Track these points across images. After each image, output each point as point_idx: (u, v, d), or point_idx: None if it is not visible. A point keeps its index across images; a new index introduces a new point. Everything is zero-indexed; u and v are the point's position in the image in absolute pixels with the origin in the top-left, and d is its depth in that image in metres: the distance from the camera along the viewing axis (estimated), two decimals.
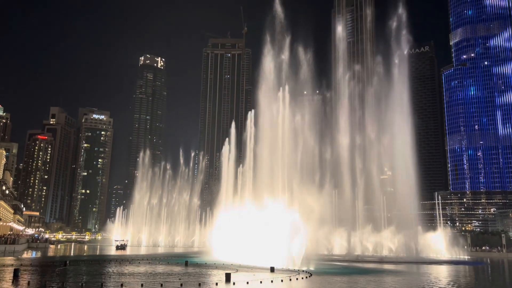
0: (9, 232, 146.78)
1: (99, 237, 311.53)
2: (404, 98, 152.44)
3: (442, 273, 68.92)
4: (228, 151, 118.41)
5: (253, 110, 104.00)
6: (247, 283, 41.74)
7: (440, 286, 46.92)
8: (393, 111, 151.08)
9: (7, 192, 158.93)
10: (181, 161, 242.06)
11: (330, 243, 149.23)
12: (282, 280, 44.68)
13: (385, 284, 47.79)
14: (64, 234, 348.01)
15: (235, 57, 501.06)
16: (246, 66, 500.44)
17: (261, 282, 42.70)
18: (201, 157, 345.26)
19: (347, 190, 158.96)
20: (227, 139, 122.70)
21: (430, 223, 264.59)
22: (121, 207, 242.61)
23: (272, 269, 55.28)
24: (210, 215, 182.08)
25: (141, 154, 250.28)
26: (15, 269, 44.63)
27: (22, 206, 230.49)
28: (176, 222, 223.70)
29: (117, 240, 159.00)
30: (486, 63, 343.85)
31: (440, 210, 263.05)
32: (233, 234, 79.83)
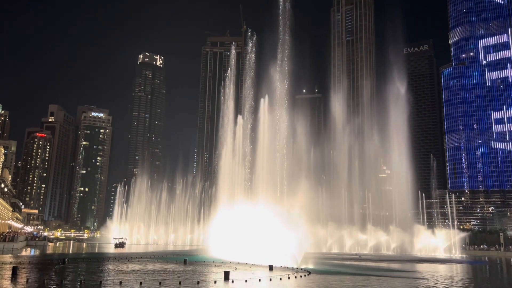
0: (7, 230, 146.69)
1: (98, 235, 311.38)
2: (402, 98, 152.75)
3: (441, 272, 69.05)
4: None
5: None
6: (246, 281, 41.81)
7: (441, 285, 47.04)
8: (391, 111, 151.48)
9: (5, 189, 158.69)
10: (180, 161, 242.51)
11: (328, 241, 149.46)
12: (280, 278, 44.72)
13: (385, 283, 47.90)
14: (62, 232, 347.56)
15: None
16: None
17: (259, 280, 42.77)
18: (200, 155, 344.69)
19: (345, 189, 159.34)
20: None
21: (428, 222, 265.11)
22: (122, 183, 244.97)
23: (271, 267, 55.32)
24: (209, 212, 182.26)
25: (139, 174, 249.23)
26: (13, 267, 44.63)
27: (21, 203, 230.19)
28: (175, 220, 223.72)
29: (115, 238, 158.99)
30: (485, 62, 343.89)
31: (438, 208, 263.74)
32: (231, 231, 79.86)
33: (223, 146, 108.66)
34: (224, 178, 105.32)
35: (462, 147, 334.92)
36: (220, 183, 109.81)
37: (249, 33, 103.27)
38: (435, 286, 45.11)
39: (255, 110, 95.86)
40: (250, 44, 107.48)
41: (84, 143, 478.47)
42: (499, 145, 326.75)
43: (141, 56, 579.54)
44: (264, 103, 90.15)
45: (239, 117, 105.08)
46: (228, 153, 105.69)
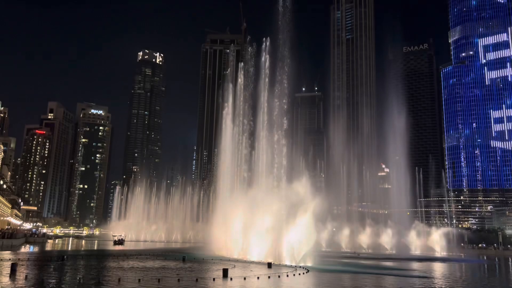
0: (6, 227, 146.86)
1: (97, 232, 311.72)
2: (401, 96, 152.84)
3: (440, 270, 69.25)
4: None
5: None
6: (244, 278, 41.90)
7: (440, 283, 47.15)
8: (390, 109, 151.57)
9: (4, 186, 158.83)
10: (179, 159, 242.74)
11: (326, 239, 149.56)
12: (279, 276, 44.80)
13: (383, 281, 48.05)
14: (61, 229, 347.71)
15: (233, 53, 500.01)
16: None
17: (258, 277, 42.83)
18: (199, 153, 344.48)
19: (343, 186, 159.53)
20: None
21: (427, 220, 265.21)
22: (121, 180, 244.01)
23: (270, 265, 55.42)
24: (208, 210, 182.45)
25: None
26: (12, 264, 44.66)
27: (20, 200, 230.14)
28: (174, 218, 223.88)
29: (114, 235, 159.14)
30: (484, 61, 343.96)
31: (437, 207, 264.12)
32: (231, 229, 79.93)
33: (222, 142, 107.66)
34: (225, 153, 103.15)
35: (461, 146, 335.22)
36: (221, 160, 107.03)
37: (249, 39, 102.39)
38: (434, 284, 45.22)
39: (253, 133, 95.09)
40: (249, 54, 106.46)
41: (83, 140, 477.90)
42: (498, 144, 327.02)
43: (140, 53, 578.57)
44: (266, 43, 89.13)
45: (240, 65, 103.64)
46: (227, 151, 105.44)
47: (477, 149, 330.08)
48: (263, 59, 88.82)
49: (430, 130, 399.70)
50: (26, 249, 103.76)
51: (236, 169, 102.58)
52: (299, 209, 65.16)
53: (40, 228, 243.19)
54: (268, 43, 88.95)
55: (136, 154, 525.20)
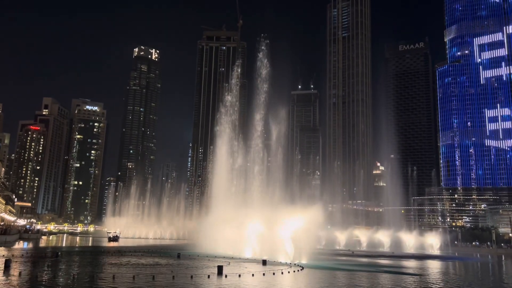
0: (0, 223, 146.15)
1: (92, 229, 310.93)
2: (396, 95, 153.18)
3: (433, 268, 69.60)
4: None
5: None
6: (239, 276, 41.92)
7: (432, 281, 47.39)
8: (386, 108, 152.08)
9: None
10: (175, 156, 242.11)
11: (322, 237, 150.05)
12: (274, 273, 44.87)
13: (377, 278, 48.24)
14: (56, 225, 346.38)
15: (230, 50, 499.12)
16: (241, 59, 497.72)
17: (253, 275, 42.87)
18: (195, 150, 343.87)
19: (338, 184, 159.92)
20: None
21: (421, 219, 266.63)
22: (116, 177, 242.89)
23: (264, 262, 55.47)
24: (203, 206, 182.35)
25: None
26: (6, 260, 44.45)
27: (14, 196, 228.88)
28: (170, 215, 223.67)
29: (109, 232, 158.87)
30: (480, 60, 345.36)
31: (431, 205, 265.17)
32: (226, 226, 79.94)
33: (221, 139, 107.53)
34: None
35: (456, 145, 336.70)
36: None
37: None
38: (428, 282, 45.47)
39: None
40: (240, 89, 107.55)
41: (78, 136, 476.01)
42: (492, 143, 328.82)
43: (136, 49, 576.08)
44: (263, 45, 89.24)
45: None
46: (223, 149, 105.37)
47: (472, 147, 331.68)
48: (259, 63, 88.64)
49: (425, 128, 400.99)
50: (20, 245, 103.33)
51: (231, 167, 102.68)
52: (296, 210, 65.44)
53: (34, 225, 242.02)
54: (264, 46, 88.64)
55: (131, 151, 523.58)
